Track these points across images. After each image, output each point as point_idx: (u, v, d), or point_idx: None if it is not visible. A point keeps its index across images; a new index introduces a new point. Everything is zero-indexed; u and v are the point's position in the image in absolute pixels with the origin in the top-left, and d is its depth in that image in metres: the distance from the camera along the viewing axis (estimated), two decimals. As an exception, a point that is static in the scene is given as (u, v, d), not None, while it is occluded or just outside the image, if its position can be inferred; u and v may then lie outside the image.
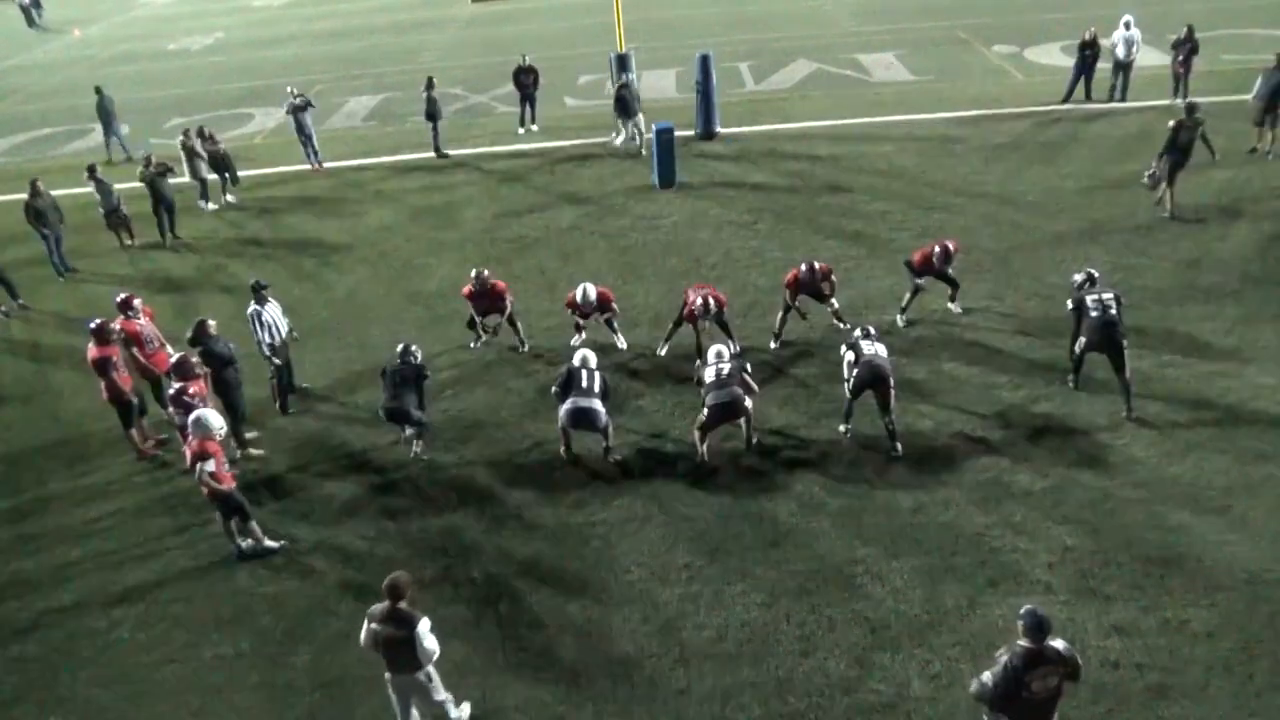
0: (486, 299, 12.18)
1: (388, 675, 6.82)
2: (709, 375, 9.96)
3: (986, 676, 5.92)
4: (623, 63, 19.46)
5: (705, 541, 9.01)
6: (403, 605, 6.59)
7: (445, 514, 9.69)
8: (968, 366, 11.26)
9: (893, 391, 9.76)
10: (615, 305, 12.28)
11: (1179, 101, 18.81)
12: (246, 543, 9.28)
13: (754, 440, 10.19)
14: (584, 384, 9.98)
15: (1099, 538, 8.59)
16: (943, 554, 8.58)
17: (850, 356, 10.04)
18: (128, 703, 7.91)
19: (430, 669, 6.77)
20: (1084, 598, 7.99)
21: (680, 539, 9.07)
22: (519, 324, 12.39)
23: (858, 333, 10.24)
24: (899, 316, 12.28)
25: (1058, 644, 5.91)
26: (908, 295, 12.25)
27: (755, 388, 10.12)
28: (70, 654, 8.41)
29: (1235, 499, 8.91)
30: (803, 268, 11.71)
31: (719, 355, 10.20)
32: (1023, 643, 5.85)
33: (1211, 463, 9.40)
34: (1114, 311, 10.05)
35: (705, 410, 9.83)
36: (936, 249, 11.94)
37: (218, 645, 8.36)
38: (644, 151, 18.21)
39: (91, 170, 16.40)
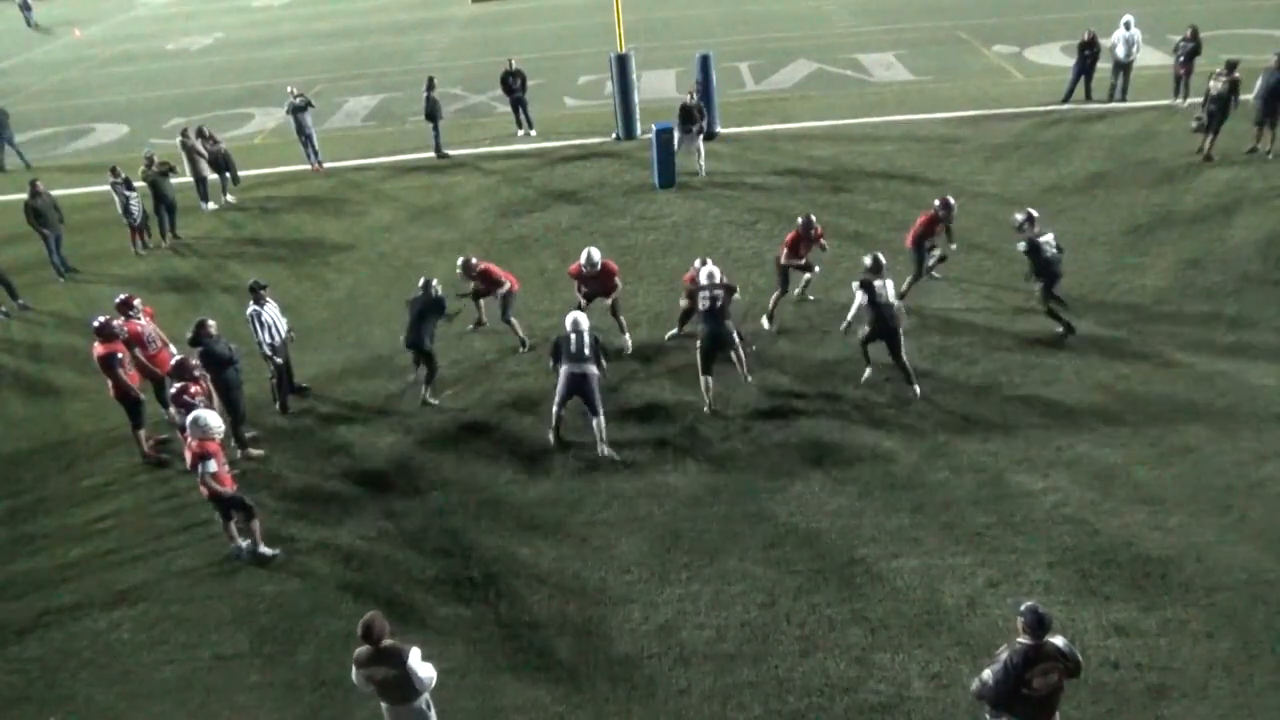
0: (481, 282, 12.23)
1: (384, 706, 6.59)
2: (702, 303, 10.50)
3: (987, 674, 5.91)
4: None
5: (705, 541, 9.01)
6: (386, 643, 6.27)
7: (445, 514, 9.70)
8: (967, 366, 11.27)
9: (902, 337, 10.42)
10: (619, 281, 12.08)
11: (1179, 102, 18.89)
12: (246, 542, 9.28)
13: (749, 378, 10.88)
14: (573, 348, 10.10)
15: (1099, 538, 8.60)
16: (943, 554, 8.59)
17: (862, 298, 10.51)
18: (128, 703, 7.91)
19: (428, 696, 6.55)
20: (1084, 598, 7.99)
21: (680, 539, 9.07)
22: (516, 322, 12.39)
23: (868, 261, 10.68)
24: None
25: (1057, 640, 5.91)
26: (909, 280, 12.53)
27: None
28: (70, 654, 8.41)
29: (1235, 499, 8.91)
30: (799, 221, 12.23)
31: (710, 277, 10.67)
32: (1023, 640, 5.85)
33: (1211, 463, 9.40)
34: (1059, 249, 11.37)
35: (699, 344, 10.54)
36: (937, 203, 12.31)
37: (218, 645, 8.36)
38: (702, 171, 17.68)
39: (114, 171, 16.33)
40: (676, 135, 17.45)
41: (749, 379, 11.02)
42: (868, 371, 10.96)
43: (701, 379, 10.74)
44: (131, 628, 8.63)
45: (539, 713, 7.48)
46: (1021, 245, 11.16)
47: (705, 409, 10.74)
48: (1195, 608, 7.81)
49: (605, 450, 10.25)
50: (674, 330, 12.33)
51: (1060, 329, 11.48)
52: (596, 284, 11.97)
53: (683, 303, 12.03)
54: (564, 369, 10.12)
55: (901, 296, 12.19)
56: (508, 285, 12.20)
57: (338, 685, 7.78)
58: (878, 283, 10.46)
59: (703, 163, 17.75)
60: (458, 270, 12.23)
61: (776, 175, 17.48)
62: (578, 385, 10.11)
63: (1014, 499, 9.16)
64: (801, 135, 19.44)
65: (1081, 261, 13.45)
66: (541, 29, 31.09)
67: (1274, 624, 7.60)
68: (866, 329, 10.54)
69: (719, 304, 10.60)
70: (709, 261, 11.07)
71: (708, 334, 10.59)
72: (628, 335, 12.29)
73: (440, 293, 11.24)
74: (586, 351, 10.12)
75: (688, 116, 17.55)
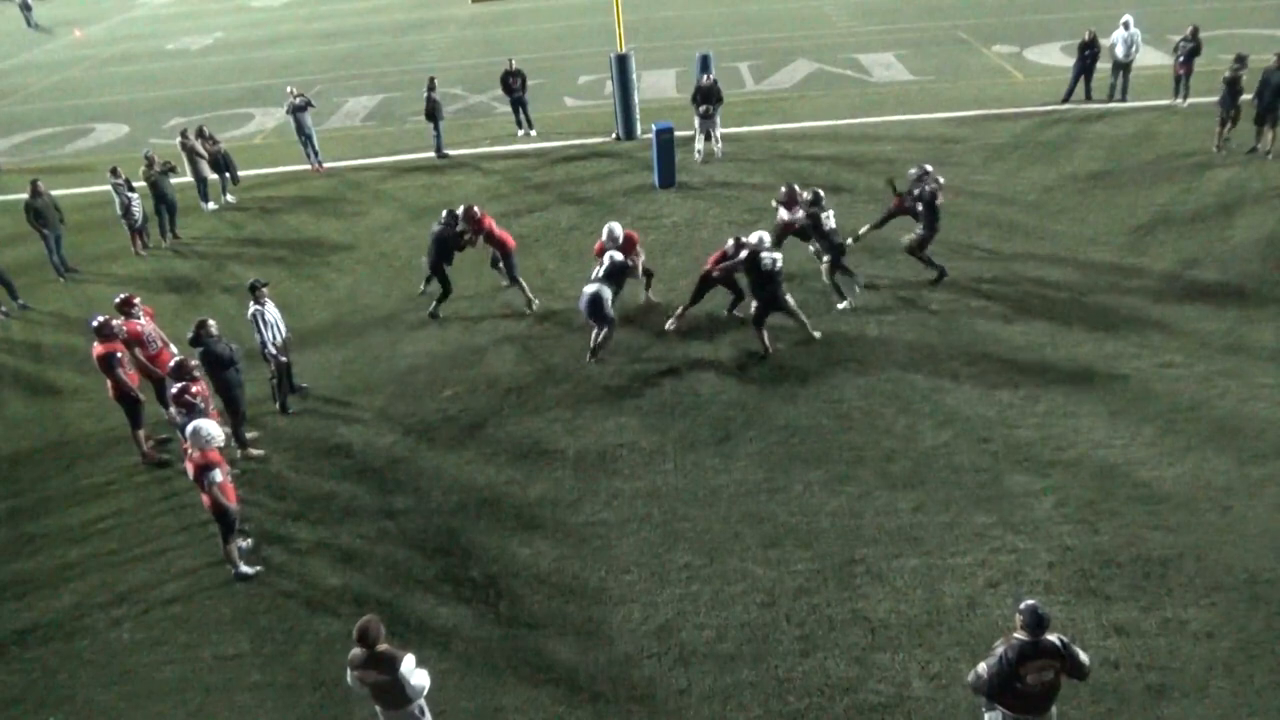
0: (473, 228, 13.10)
1: (378, 709, 6.62)
2: (765, 263, 11.30)
3: (982, 667, 5.95)
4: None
5: (705, 541, 9.01)
6: (380, 648, 6.30)
7: (445, 514, 9.70)
8: (967, 366, 11.27)
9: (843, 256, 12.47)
10: (641, 251, 12.82)
11: (1179, 102, 18.90)
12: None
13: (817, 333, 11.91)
14: (594, 273, 11.73)
15: (1099, 538, 8.60)
16: (943, 554, 8.59)
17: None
18: (128, 703, 7.91)
19: (422, 702, 6.55)
20: (1084, 598, 7.99)
21: (680, 539, 9.08)
22: (524, 282, 13.35)
23: (807, 195, 12.53)
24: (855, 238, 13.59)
25: (1054, 638, 5.91)
26: (867, 226, 13.58)
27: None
28: (70, 654, 8.42)
29: (1235, 499, 8.91)
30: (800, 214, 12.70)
31: (761, 240, 11.52)
32: (1019, 635, 5.87)
33: (1211, 463, 9.40)
34: None
35: (758, 303, 11.51)
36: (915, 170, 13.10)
37: (218, 645, 8.36)
38: (718, 153, 18.50)
39: (114, 171, 16.31)
40: (696, 121, 18.23)
41: (816, 334, 11.90)
42: (856, 290, 12.72)
43: (763, 338, 11.69)
44: (131, 628, 8.63)
45: (539, 713, 7.48)
46: (916, 192, 12.76)
47: (767, 353, 11.70)
48: (1195, 608, 7.81)
49: (598, 357, 11.84)
50: (680, 310, 12.54)
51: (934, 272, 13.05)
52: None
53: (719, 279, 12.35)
54: (584, 289, 11.66)
55: (857, 239, 13.56)
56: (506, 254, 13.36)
57: (337, 685, 7.77)
58: (823, 214, 12.37)
59: (719, 145, 18.36)
60: (459, 212, 13.12)
61: (776, 175, 17.43)
62: (591, 302, 11.50)
63: (1014, 499, 9.16)
64: (801, 135, 19.44)
65: (1082, 261, 13.46)
66: (541, 29, 31.10)
67: (1274, 624, 7.61)
68: (827, 259, 12.42)
69: (779, 265, 11.46)
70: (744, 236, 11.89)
71: (771, 296, 11.46)
72: (649, 293, 13.28)
73: (458, 220, 12.90)
74: (603, 274, 11.67)
75: (706, 97, 17.88)
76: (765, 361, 11.68)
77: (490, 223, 13.25)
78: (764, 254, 11.38)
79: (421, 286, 13.91)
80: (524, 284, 13.34)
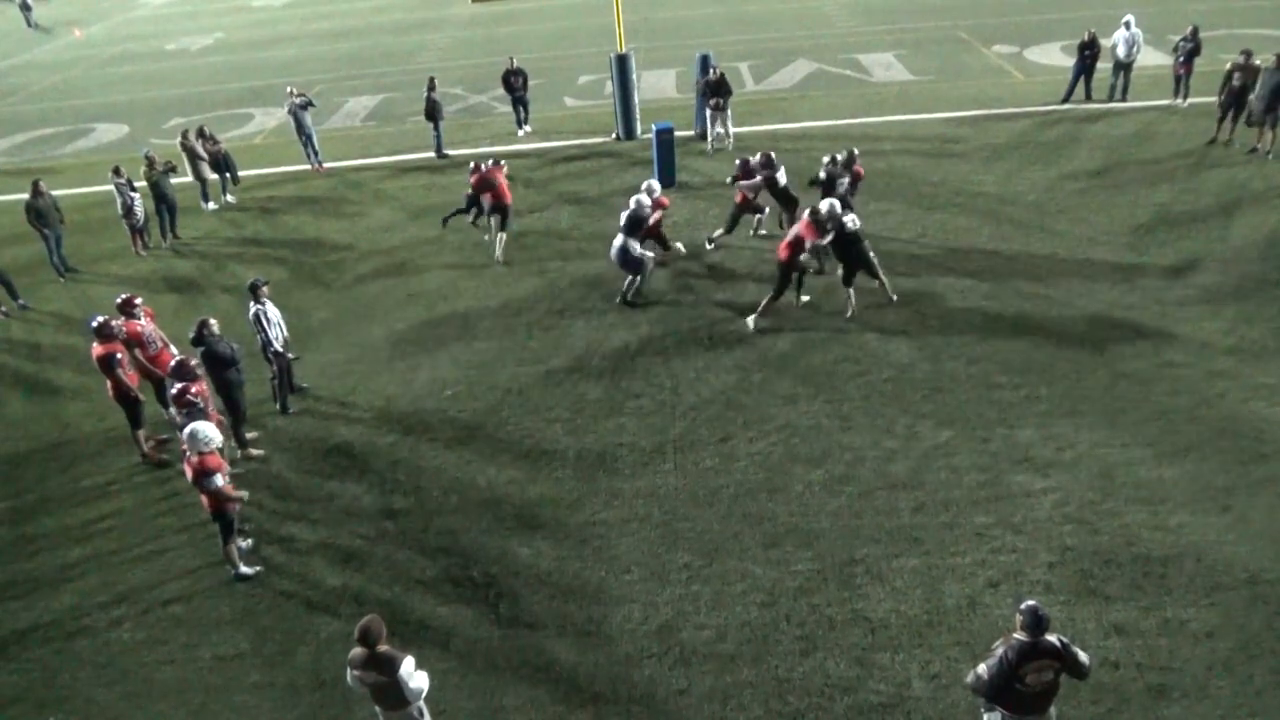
0: (489, 189, 14.53)
1: (377, 709, 6.62)
2: (851, 225, 11.93)
3: (982, 668, 5.95)
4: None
5: (705, 541, 9.02)
6: (381, 649, 6.27)
7: (445, 514, 9.70)
8: (967, 366, 11.27)
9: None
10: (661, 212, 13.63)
11: (1179, 102, 18.89)
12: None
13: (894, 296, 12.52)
14: (620, 222, 12.60)
15: (1099, 538, 8.60)
16: (943, 554, 8.59)
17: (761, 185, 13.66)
18: (128, 703, 7.91)
19: (421, 704, 6.54)
20: (1084, 598, 7.99)
21: (680, 539, 9.08)
22: (504, 237, 14.78)
23: (763, 159, 13.89)
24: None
25: (1054, 638, 5.91)
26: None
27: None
28: (70, 654, 8.42)
29: (1235, 499, 8.91)
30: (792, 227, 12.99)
31: (832, 207, 11.97)
32: (1019, 636, 5.87)
33: (1211, 463, 9.40)
34: None
35: (845, 266, 12.14)
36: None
37: (218, 645, 8.37)
38: (722, 147, 19.00)
39: (117, 170, 16.29)
40: (707, 114, 18.89)
41: (894, 297, 12.53)
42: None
43: (847, 290, 12.38)
44: (131, 628, 8.63)
45: (539, 713, 7.48)
46: (824, 174, 13.83)
47: (849, 315, 12.37)
48: (1195, 608, 7.81)
49: (626, 298, 12.94)
50: (805, 298, 12.91)
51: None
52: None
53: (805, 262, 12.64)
54: (614, 241, 12.69)
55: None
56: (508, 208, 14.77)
57: (337, 685, 7.78)
58: (776, 174, 13.66)
59: (730, 140, 19.06)
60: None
61: (776, 175, 17.45)
62: (617, 256, 12.65)
63: (1014, 499, 9.16)
64: (801, 135, 19.44)
65: (1082, 261, 13.46)
66: (541, 29, 31.10)
67: (1274, 624, 7.61)
68: (785, 217, 13.91)
69: (859, 224, 12.13)
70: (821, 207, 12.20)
71: (857, 256, 12.10)
72: (677, 246, 14.27)
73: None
74: (623, 224, 12.57)
75: (715, 90, 18.39)
76: (766, 361, 11.68)
77: (491, 174, 14.62)
78: (846, 219, 11.99)
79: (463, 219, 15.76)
80: (502, 237, 14.78)
